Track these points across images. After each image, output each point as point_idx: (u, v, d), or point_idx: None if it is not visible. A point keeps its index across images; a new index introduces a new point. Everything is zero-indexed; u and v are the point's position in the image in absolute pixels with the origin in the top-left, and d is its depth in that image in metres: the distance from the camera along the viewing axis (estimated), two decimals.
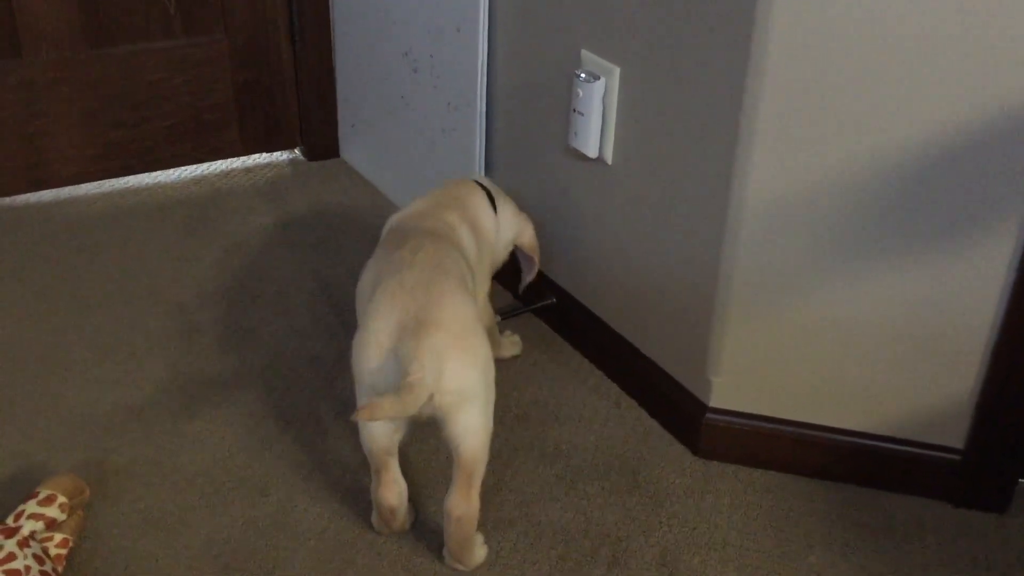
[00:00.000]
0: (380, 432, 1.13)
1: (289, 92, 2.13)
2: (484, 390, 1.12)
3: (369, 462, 1.17)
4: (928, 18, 1.08)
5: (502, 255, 1.46)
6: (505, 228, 1.43)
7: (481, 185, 1.44)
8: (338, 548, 1.22)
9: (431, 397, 1.06)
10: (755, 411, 1.35)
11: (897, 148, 1.15)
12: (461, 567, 1.18)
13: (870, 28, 1.10)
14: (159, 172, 2.09)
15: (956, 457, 1.30)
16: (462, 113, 1.71)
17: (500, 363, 1.55)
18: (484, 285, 1.40)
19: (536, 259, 1.48)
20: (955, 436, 1.30)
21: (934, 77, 1.11)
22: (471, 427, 1.11)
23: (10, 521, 1.13)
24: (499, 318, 1.59)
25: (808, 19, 1.11)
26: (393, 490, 1.17)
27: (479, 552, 1.19)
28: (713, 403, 1.36)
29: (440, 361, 1.06)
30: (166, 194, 2.02)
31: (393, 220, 1.34)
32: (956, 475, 1.30)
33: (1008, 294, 1.19)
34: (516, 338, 1.57)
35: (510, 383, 1.52)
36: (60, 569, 1.13)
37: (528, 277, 1.51)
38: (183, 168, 2.11)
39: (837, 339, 1.28)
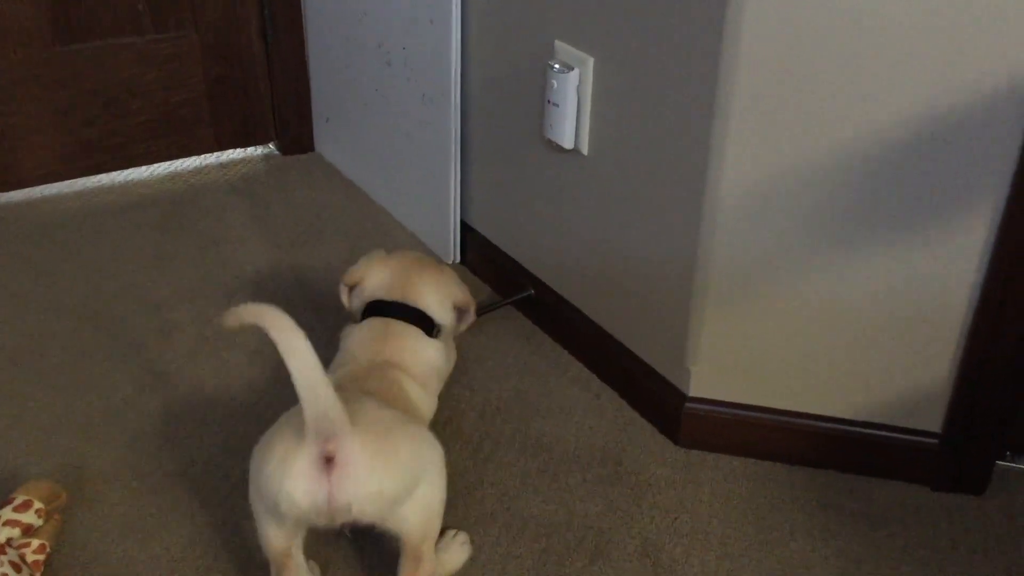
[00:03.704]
0: (275, 535, 1.04)
1: (262, 87, 2.11)
2: (408, 487, 1.03)
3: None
4: (902, 5, 1.08)
5: (452, 327, 1.35)
6: (443, 315, 1.31)
7: (396, 309, 1.28)
8: (320, 546, 1.21)
9: (349, 508, 0.99)
10: (734, 399, 1.36)
11: (871, 135, 1.16)
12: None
13: (843, 15, 1.10)
14: (132, 169, 2.07)
15: (934, 441, 1.31)
16: (437, 105, 1.70)
17: (479, 356, 1.55)
18: (439, 387, 1.32)
19: (471, 310, 1.36)
20: (932, 420, 1.30)
21: (908, 64, 1.11)
22: (409, 521, 1.05)
23: None
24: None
25: (781, 6, 1.11)
26: None
27: (460, 554, 1.19)
28: (693, 392, 1.36)
29: (354, 477, 0.98)
30: (139, 192, 2.00)
31: (337, 376, 1.22)
32: (934, 459, 1.31)
33: (983, 278, 1.20)
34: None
35: (489, 376, 1.51)
36: (38, 575, 1.12)
37: (463, 327, 1.38)
38: (156, 165, 2.09)
39: (814, 326, 1.28)
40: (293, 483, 0.97)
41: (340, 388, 1.18)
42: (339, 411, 0.96)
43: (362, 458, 0.98)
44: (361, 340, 1.27)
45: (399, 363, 1.24)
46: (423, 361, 1.27)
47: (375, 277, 1.33)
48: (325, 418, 0.96)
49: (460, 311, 1.36)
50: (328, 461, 0.97)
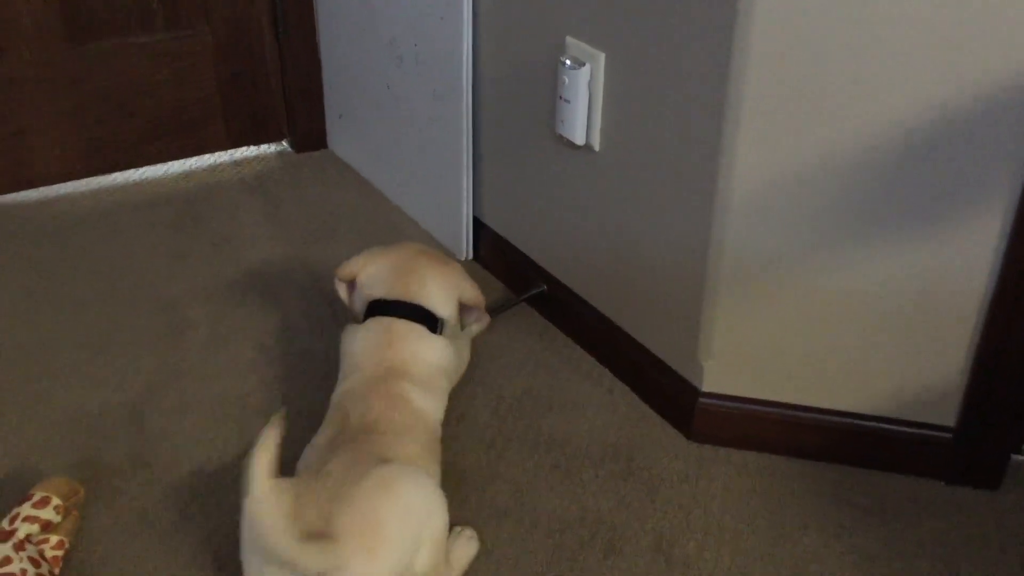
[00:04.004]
0: None
1: (275, 84, 2.12)
2: (412, 555, 1.03)
3: None
4: (913, 2, 1.08)
5: (456, 321, 1.33)
6: (446, 309, 1.29)
7: (397, 308, 1.26)
8: None
9: None
10: (747, 394, 1.35)
11: (884, 128, 1.15)
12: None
13: (854, 10, 1.10)
14: (145, 168, 2.08)
15: (948, 435, 1.30)
16: (448, 102, 1.70)
17: (492, 352, 1.55)
18: (448, 387, 1.31)
19: (482, 308, 1.34)
20: (947, 414, 1.30)
21: (920, 57, 1.11)
22: (418, 570, 1.05)
23: (5, 524, 1.13)
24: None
25: (792, 2, 1.11)
26: None
27: (469, 549, 1.19)
28: (705, 387, 1.36)
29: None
30: (153, 190, 2.02)
31: (340, 390, 1.24)
32: (948, 453, 1.31)
33: (997, 272, 1.19)
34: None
35: (502, 372, 1.52)
36: (57, 571, 1.13)
37: (477, 327, 1.37)
38: (170, 163, 2.10)
39: (827, 320, 1.28)
40: None
41: (340, 408, 1.19)
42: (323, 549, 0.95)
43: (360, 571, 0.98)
44: (364, 345, 1.25)
45: (403, 368, 1.22)
46: (428, 363, 1.24)
47: (373, 271, 1.30)
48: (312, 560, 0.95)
49: (468, 308, 1.34)
50: None
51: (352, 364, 1.25)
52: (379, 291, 1.28)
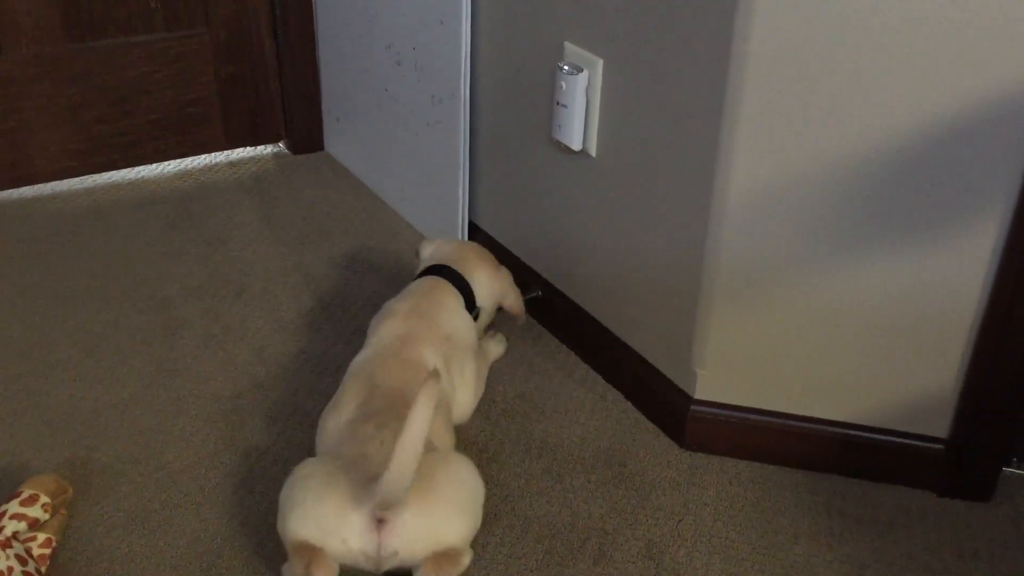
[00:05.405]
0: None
1: (273, 85, 2.12)
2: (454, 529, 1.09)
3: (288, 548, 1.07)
4: (911, 8, 1.08)
5: (488, 320, 1.48)
6: (485, 301, 1.44)
7: (449, 272, 1.40)
8: None
9: (396, 554, 1.05)
10: (740, 403, 1.35)
11: (880, 139, 1.15)
12: None
13: (852, 18, 1.10)
14: (142, 167, 2.08)
15: (940, 447, 1.30)
16: (446, 106, 1.70)
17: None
18: (476, 359, 1.40)
19: (521, 315, 1.50)
20: (939, 426, 1.30)
21: (917, 69, 1.11)
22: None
23: None
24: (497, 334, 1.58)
25: (790, 9, 1.11)
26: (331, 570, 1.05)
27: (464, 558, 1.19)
28: (698, 395, 1.36)
29: (404, 536, 1.05)
30: (149, 189, 2.01)
31: (359, 360, 1.28)
32: (940, 465, 1.31)
33: (991, 283, 1.20)
34: (500, 337, 1.55)
35: (496, 377, 1.51)
36: (44, 569, 1.13)
37: (518, 323, 1.55)
38: (166, 163, 2.10)
39: (822, 330, 1.28)
40: (348, 533, 1.04)
41: (362, 376, 1.23)
42: (407, 490, 1.02)
43: (412, 521, 1.05)
44: (409, 290, 1.37)
45: (429, 314, 1.31)
46: (453, 322, 1.34)
47: (434, 251, 1.47)
48: (397, 493, 1.01)
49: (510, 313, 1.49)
50: (380, 521, 1.04)
51: (381, 317, 1.33)
52: (435, 260, 1.44)
